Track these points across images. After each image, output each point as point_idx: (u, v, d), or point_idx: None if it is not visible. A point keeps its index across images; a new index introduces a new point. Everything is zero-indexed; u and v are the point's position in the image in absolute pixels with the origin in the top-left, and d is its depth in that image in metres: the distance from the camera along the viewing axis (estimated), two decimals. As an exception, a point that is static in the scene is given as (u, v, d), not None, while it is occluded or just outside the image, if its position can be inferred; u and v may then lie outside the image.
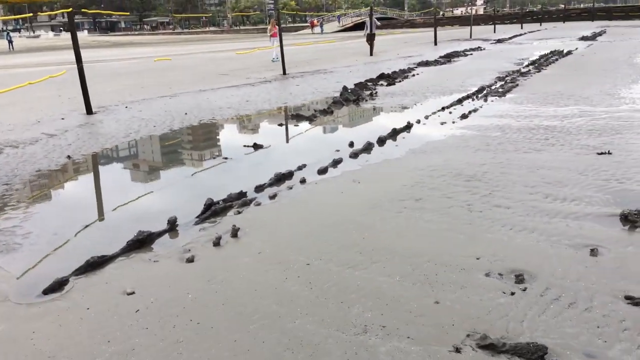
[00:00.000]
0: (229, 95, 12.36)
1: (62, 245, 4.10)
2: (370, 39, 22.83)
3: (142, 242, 4.02)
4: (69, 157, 7.03)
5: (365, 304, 2.95)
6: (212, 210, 4.61)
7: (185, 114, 10.02)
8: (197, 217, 4.58)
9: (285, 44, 17.17)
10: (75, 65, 10.25)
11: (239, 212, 4.61)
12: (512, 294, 2.96)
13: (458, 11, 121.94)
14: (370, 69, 17.08)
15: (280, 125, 8.70)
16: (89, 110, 10.30)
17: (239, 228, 4.14)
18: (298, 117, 9.20)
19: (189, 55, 27.53)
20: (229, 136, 8.25)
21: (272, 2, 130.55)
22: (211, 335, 2.75)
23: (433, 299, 2.95)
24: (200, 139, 8.08)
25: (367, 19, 23.12)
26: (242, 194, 5.04)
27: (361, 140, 6.99)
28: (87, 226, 4.50)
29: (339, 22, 63.05)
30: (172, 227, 4.33)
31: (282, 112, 10.14)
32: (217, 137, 8.25)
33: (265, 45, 20.78)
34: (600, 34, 30.28)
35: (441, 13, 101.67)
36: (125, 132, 8.49)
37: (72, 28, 10.05)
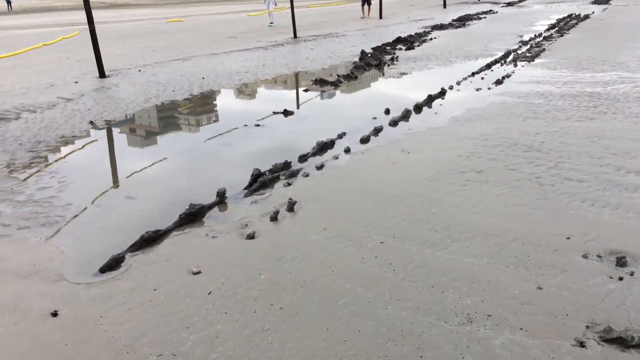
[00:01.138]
0: (244, 59, 11.93)
1: (107, 218, 3.82)
2: (367, 2, 22.18)
3: (194, 216, 3.76)
4: (91, 122, 6.71)
5: (460, 288, 2.71)
6: (260, 182, 4.33)
7: (203, 78, 9.64)
8: (245, 188, 4.31)
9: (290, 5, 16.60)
10: (86, 27, 9.79)
11: (289, 184, 4.34)
12: (620, 279, 2.72)
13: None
14: (384, 32, 16.57)
15: (306, 90, 8.34)
16: (102, 74, 9.90)
17: (295, 202, 3.87)
18: (322, 82, 8.84)
19: (194, 17, 26.76)
20: (254, 101, 7.91)
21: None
22: (299, 322, 2.50)
23: (534, 284, 2.71)
24: (225, 105, 7.74)
25: None
26: (287, 164, 4.76)
27: (395, 106, 6.69)
28: (129, 197, 4.22)
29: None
30: (221, 199, 4.07)
31: (303, 76, 9.76)
32: (242, 102, 7.90)
33: (277, 7, 20.01)
34: (612, -3, 29.53)
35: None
36: (144, 97, 8.14)
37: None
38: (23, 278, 3.03)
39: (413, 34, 15.06)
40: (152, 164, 5.07)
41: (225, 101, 7.98)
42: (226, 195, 4.12)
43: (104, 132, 6.37)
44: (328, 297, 2.70)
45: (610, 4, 24.06)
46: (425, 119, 6.21)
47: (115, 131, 6.48)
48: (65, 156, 5.41)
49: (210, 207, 3.95)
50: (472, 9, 25.19)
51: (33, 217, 3.88)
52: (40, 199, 4.20)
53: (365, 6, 22.29)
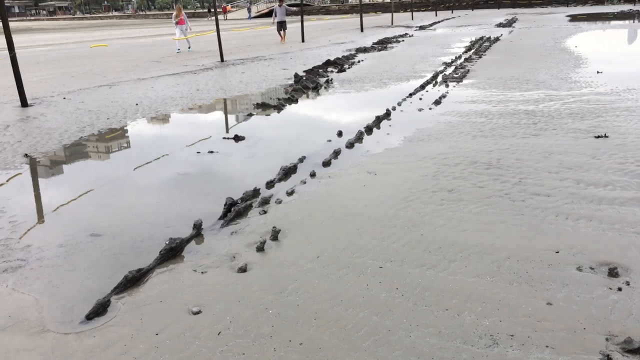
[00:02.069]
0: (175, 84, 11.64)
1: (76, 259, 3.54)
2: (282, 27, 22.26)
3: (175, 251, 3.56)
4: (26, 155, 6.25)
5: (474, 309, 2.72)
6: (235, 212, 4.18)
7: (136, 104, 9.29)
8: (220, 218, 4.16)
9: (207, 30, 16.46)
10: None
11: (265, 212, 4.22)
12: (619, 289, 2.84)
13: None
14: (310, 55, 16.78)
15: (249, 115, 8.24)
16: (24, 103, 9.29)
17: (279, 230, 3.77)
18: (264, 106, 8.77)
19: (107, 41, 25.78)
20: (198, 128, 7.69)
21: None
22: (325, 358, 2.41)
23: (542, 300, 2.77)
24: (169, 132, 7.47)
25: (276, 6, 22.48)
26: (256, 191, 4.65)
27: (344, 128, 6.77)
28: (93, 235, 3.93)
29: (250, 12, 61.56)
30: (198, 231, 3.89)
31: (242, 100, 9.64)
32: (186, 129, 7.66)
33: (202, 30, 19.72)
34: (513, 20, 31.68)
35: (342, 1, 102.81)
36: (78, 126, 7.71)
37: (2, 11, 8.96)
38: (0, 332, 2.72)
39: (340, 56, 15.35)
40: (110, 197, 4.77)
41: (168, 128, 7.71)
42: (202, 227, 3.94)
43: (45, 164, 5.94)
44: (345, 328, 2.62)
45: (513, 27, 25.75)
46: (379, 139, 6.29)
47: (57, 163, 6.06)
48: (8, 194, 4.98)
49: (188, 240, 3.76)
50: (388, 33, 26.12)
51: (-9, 262, 3.51)
52: (-7, 242, 3.82)
53: (282, 31, 22.33)
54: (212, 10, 64.52)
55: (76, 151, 6.55)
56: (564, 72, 10.75)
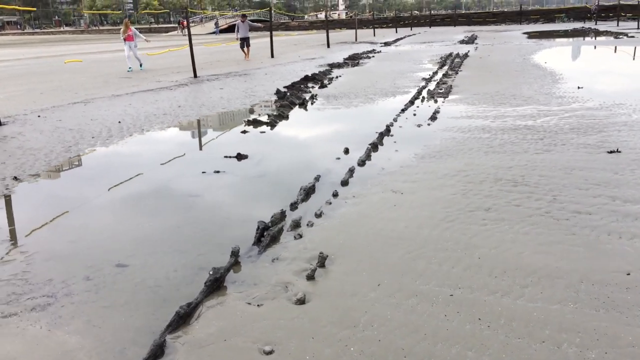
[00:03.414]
0: (154, 100, 11.24)
1: (108, 294, 3.21)
2: (244, 44, 21.26)
3: (219, 281, 3.27)
4: (15, 178, 5.80)
5: (571, 341, 2.55)
6: (270, 236, 3.92)
7: (119, 122, 8.88)
8: (254, 244, 3.88)
9: (169, 45, 16.11)
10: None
11: (300, 236, 3.98)
12: None
13: (322, 15, 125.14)
14: (284, 70, 16.61)
15: (244, 132, 7.96)
16: (-3, 121, 8.74)
17: (327, 256, 3.53)
18: (256, 123, 8.52)
19: (62, 57, 24.89)
20: (196, 147, 7.36)
21: (131, 1, 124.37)
22: (435, 402, 2.18)
23: (639, 328, 2.63)
24: (166, 151, 7.11)
25: (239, 22, 21.37)
26: (283, 214, 4.39)
27: (346, 145, 6.61)
28: (120, 265, 3.60)
29: (217, 27, 60.82)
30: (236, 259, 3.61)
31: (230, 117, 9.35)
32: (182, 147, 7.31)
33: (177, 45, 19.24)
34: (474, 38, 32.35)
35: (305, 17, 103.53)
36: (62, 146, 7.27)
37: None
38: (50, 385, 2.38)
39: (317, 72, 15.22)
40: (125, 222, 4.42)
41: (162, 147, 7.34)
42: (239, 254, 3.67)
43: (39, 187, 5.52)
44: (442, 366, 2.41)
45: (477, 44, 26.28)
46: (389, 156, 6.13)
47: (52, 185, 5.64)
48: (9, 221, 4.56)
49: (228, 269, 3.47)
50: (355, 49, 26.23)
51: (14, 300, 3.14)
52: (9, 277, 3.44)
53: (245, 48, 21.47)
54: (180, 24, 63.62)
55: (69, 172, 6.14)
56: (546, 88, 10.90)
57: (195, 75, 15.59)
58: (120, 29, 18.95)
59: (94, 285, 3.34)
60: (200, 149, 7.14)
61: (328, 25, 30.37)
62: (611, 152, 5.81)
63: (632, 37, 26.07)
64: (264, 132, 7.95)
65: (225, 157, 6.46)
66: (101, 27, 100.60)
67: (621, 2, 44.65)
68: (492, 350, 2.50)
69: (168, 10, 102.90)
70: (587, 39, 27.33)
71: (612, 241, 3.62)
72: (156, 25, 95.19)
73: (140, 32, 18.85)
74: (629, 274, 3.16)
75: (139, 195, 5.20)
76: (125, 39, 17.63)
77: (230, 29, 56.37)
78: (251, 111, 9.77)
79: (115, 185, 5.53)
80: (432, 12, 69.21)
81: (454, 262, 3.41)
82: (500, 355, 2.46)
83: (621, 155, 5.68)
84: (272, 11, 23.42)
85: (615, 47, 20.55)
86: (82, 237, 4.14)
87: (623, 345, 2.49)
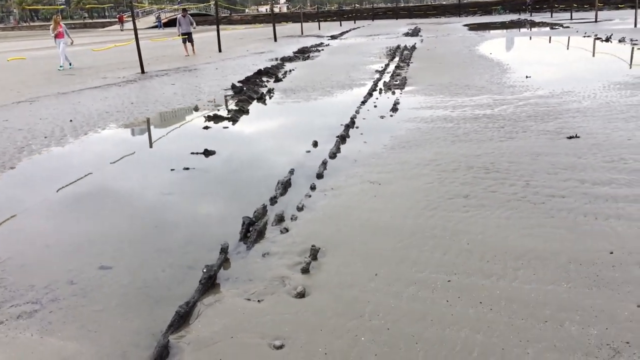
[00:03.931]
0: (103, 97, 10.89)
1: (97, 297, 3.09)
2: (188, 39, 20.16)
3: (212, 278, 3.21)
4: (-31, 181, 5.47)
5: (572, 319, 2.65)
6: (257, 231, 3.87)
7: (70, 120, 8.57)
8: (241, 240, 3.83)
9: (111, 41, 15.66)
10: None
11: (287, 230, 3.95)
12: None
13: (263, 9, 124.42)
14: (235, 65, 16.41)
15: (206, 128, 7.81)
16: (-63, 122, 8.23)
17: (319, 249, 3.52)
18: (217, 118, 8.37)
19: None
20: (160, 144, 7.17)
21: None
22: (456, 386, 2.22)
23: (632, 304, 2.76)
24: (127, 148, 6.87)
25: (179, 17, 20.22)
26: (265, 209, 4.34)
27: (313, 137, 6.61)
28: (103, 267, 3.47)
29: (159, 21, 59.07)
30: (225, 255, 3.54)
31: (188, 113, 9.15)
32: (143, 144, 7.11)
33: (120, 40, 18.58)
34: (418, 30, 32.85)
35: (246, 10, 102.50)
36: (15, 147, 6.95)
37: None
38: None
39: (270, 66, 15.10)
40: (102, 222, 4.26)
41: (123, 145, 7.10)
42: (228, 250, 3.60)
43: (0, 190, 5.24)
44: (455, 350, 2.45)
45: (422, 36, 26.73)
46: (360, 148, 6.16)
47: (15, 186, 5.36)
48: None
49: (219, 266, 3.41)
50: (303, 42, 26.19)
51: (-4, 308, 2.97)
52: (-11, 285, 3.25)
53: (188, 44, 20.30)
54: (119, 19, 61.41)
55: (28, 173, 5.85)
56: (496, 78, 11.21)
57: (142, 71, 15.19)
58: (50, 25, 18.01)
59: (80, 289, 3.20)
60: (163, 146, 6.96)
61: (270, 19, 30.15)
62: (570, 137, 6.04)
63: (568, 27, 27.19)
64: (227, 127, 7.83)
65: (192, 153, 6.33)
66: (32, 24, 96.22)
67: (554, -6, 46.50)
68: (499, 332, 2.56)
69: (103, 5, 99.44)
70: (526, 30, 28.30)
71: (590, 222, 3.77)
72: (91, 21, 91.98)
73: (74, 28, 18.06)
74: (612, 253, 3.30)
75: (109, 194, 5.02)
76: (56, 36, 16.71)
77: (172, 22, 55.07)
78: (209, 106, 9.59)
79: (72, 185, 5.31)
80: (374, 5, 69.79)
81: (445, 249, 3.46)
82: (508, 336, 2.52)
83: (580, 140, 5.92)
84: (216, 4, 22.97)
85: (550, 38, 21.36)
86: (57, 241, 3.97)
87: (621, 321, 2.60)
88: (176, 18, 20.74)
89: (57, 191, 5.16)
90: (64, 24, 17.63)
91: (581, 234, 3.58)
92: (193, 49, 20.64)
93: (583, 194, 4.30)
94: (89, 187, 5.27)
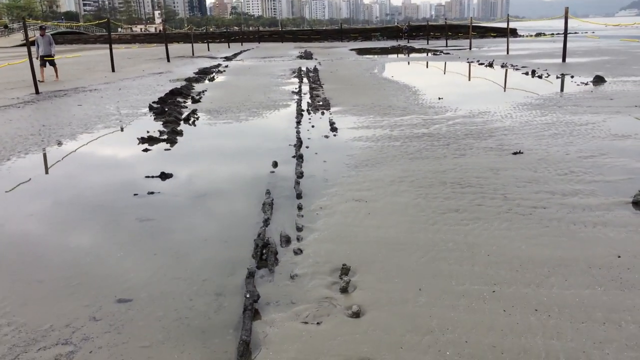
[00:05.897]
0: (7, 121, 10.02)
1: (135, 331, 2.80)
2: (49, 61, 17.51)
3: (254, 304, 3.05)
4: None
5: (626, 319, 2.84)
6: (274, 253, 3.74)
7: (-19, 145, 7.69)
8: (257, 263, 3.68)
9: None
10: None
11: (301, 251, 3.85)
12: None
13: (137, 28, 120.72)
14: (139, 84, 15.75)
15: (145, 150, 7.40)
16: None
17: (349, 267, 3.48)
18: (151, 140, 7.98)
19: None
20: (105, 167, 6.65)
21: None
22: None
23: (664, 299, 3.02)
24: (67, 173, 6.29)
25: (38, 36, 17.47)
26: (264, 230, 4.20)
27: (265, 157, 6.56)
28: (121, 301, 3.16)
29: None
30: (253, 279, 3.38)
31: (116, 135, 8.60)
32: (88, 169, 6.56)
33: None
34: (310, 53, 33.56)
35: (119, 29, 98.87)
36: None
37: None
38: None
39: (179, 87, 14.63)
40: (94, 254, 3.86)
41: (60, 169, 6.50)
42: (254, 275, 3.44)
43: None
44: (541, 357, 2.53)
45: (317, 59, 27.35)
46: (323, 167, 6.17)
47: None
48: None
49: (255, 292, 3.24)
50: (197, 63, 25.75)
51: (22, 354, 2.58)
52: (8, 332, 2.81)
53: (47, 67, 17.48)
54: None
55: (-37, 205, 5.16)
56: (412, 99, 11.76)
57: (37, 92, 14.05)
58: None
59: (109, 325, 2.88)
60: (110, 170, 6.47)
61: (153, 39, 29.33)
62: (515, 153, 6.51)
63: (448, 53, 29.23)
64: (168, 149, 7.48)
65: (147, 177, 5.96)
66: None
67: (429, 23, 49.94)
68: (571, 337, 2.68)
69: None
70: (413, 55, 30.02)
71: (583, 230, 4.08)
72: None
73: None
74: (619, 257, 3.59)
75: (79, 223, 4.57)
76: None
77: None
78: (132, 128, 9.08)
79: (17, 222, 4.79)
80: (260, 28, 70.40)
81: (472, 262, 3.57)
82: (580, 340, 2.66)
83: (525, 156, 6.38)
84: (108, 21, 21.89)
85: (446, 63, 22.88)
86: (50, 276, 3.53)
87: (665, 317, 2.84)
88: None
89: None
90: None
91: (581, 241, 3.86)
92: (56, 74, 17.86)
93: (560, 205, 4.64)
94: (55, 220, 4.76)
